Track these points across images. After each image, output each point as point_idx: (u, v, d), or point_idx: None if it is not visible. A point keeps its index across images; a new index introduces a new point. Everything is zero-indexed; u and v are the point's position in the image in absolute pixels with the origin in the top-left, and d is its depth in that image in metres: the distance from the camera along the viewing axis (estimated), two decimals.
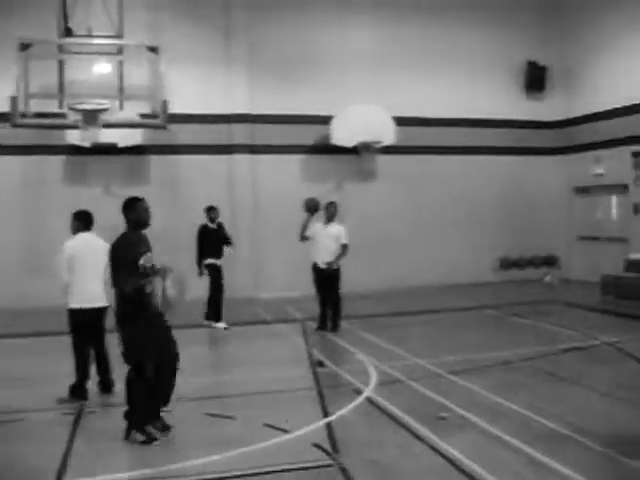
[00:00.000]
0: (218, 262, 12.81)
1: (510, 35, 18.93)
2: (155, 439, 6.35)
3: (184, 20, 16.42)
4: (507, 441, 6.23)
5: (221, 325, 12.63)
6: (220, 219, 13.08)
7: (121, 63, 12.47)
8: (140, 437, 6.34)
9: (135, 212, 6.68)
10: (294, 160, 17.38)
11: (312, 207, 12.08)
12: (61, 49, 12.08)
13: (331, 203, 12.22)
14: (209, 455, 5.98)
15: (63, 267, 7.95)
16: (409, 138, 17.33)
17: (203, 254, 12.75)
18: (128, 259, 6.35)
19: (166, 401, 6.61)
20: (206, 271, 12.70)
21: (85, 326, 8.01)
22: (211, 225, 12.95)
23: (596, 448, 6.00)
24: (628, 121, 16.76)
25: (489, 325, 13.15)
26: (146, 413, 6.46)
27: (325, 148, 17.18)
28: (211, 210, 13.01)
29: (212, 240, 12.82)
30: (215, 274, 12.74)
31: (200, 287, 12.17)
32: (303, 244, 12.17)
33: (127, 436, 6.41)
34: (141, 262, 6.35)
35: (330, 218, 12.09)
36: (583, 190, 19.18)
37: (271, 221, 16.51)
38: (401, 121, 16.99)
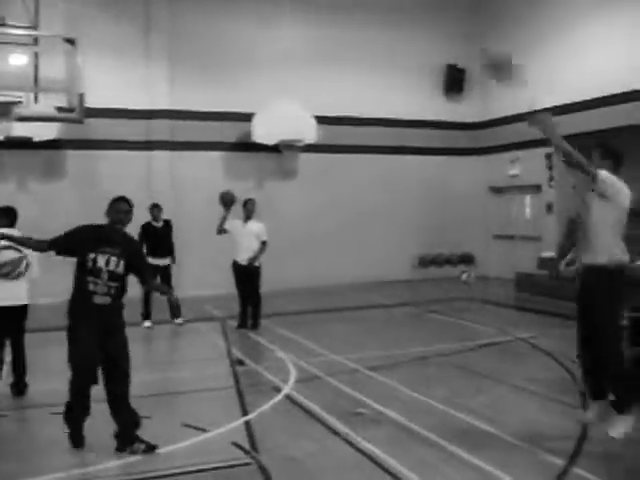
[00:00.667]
0: (161, 263, 12.56)
1: (431, 37, 19.25)
2: (155, 446, 6.01)
3: (103, 12, 16.06)
4: (424, 436, 6.34)
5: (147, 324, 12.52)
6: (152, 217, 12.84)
7: (37, 54, 12.14)
8: (141, 447, 5.95)
9: (107, 211, 6.37)
10: (215, 157, 17.25)
11: (228, 200, 11.95)
12: None
13: (249, 200, 12.17)
14: (127, 456, 5.89)
15: None
16: (330, 137, 17.43)
17: (148, 254, 12.45)
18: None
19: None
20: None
21: (1, 325, 7.77)
22: (155, 223, 12.74)
23: (511, 441, 6.16)
24: None
25: (407, 322, 13.36)
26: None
27: (246, 146, 17.12)
28: (154, 208, 12.80)
29: (156, 239, 12.58)
30: (160, 276, 12.42)
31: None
32: (223, 241, 12.09)
33: (123, 447, 5.97)
34: None
35: (249, 215, 12.05)
36: (499, 190, 19.68)
37: (191, 218, 16.34)
38: (323, 120, 17.08)
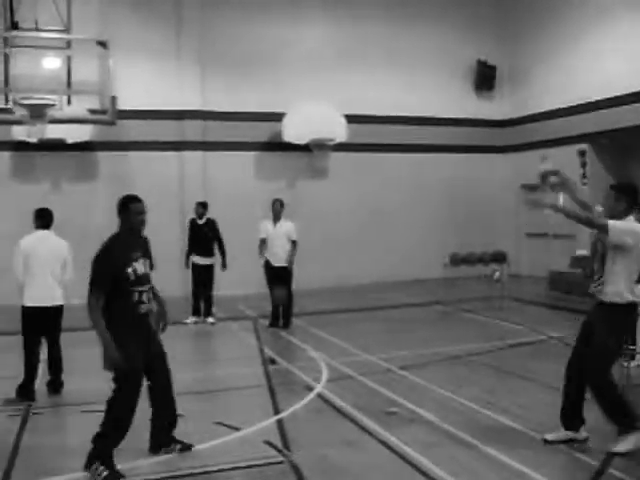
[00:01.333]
0: (201, 262, 12.75)
1: (461, 34, 19.15)
2: (122, 477, 5.46)
3: (135, 14, 16.20)
4: (457, 435, 6.31)
5: (210, 320, 12.85)
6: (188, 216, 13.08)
7: (69, 57, 12.27)
8: (104, 473, 5.39)
9: (124, 213, 6.03)
10: (246, 157, 17.30)
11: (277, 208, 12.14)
12: (7, 42, 11.81)
13: (276, 200, 12.20)
14: (159, 454, 5.93)
15: (18, 264, 7.82)
16: (361, 136, 17.42)
17: (189, 250, 12.89)
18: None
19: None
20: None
21: (37, 325, 7.89)
22: (198, 221, 12.93)
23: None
24: (575, 120, 17.07)
25: (438, 321, 13.30)
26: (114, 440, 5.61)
27: (277, 145, 17.16)
28: (199, 205, 13.00)
29: (197, 237, 12.78)
30: (195, 273, 12.81)
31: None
32: (255, 241, 12.18)
33: (86, 467, 5.49)
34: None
35: (277, 215, 12.08)
36: (531, 187, 19.47)
37: (223, 218, 16.38)
38: (353, 119, 17.07)
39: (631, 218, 5.94)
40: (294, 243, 11.95)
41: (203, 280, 12.77)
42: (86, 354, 10.25)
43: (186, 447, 6.02)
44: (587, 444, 5.96)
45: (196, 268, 12.78)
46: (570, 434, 6.03)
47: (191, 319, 12.75)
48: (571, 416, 6.09)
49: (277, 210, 12.09)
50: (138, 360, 5.59)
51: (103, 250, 5.74)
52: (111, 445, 5.53)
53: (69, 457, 5.97)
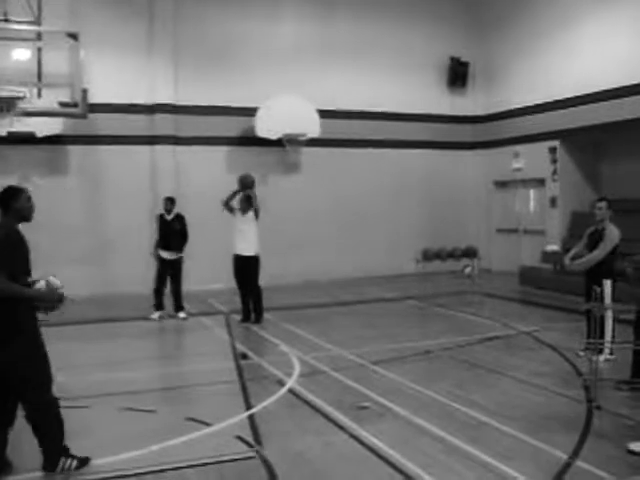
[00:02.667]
0: (169, 256, 12.70)
1: (435, 31, 19.22)
2: (88, 458, 5.63)
3: (106, 6, 16.02)
4: (428, 429, 6.35)
5: (182, 315, 12.82)
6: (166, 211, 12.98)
7: (39, 49, 12.13)
8: (75, 463, 5.52)
9: (18, 202, 5.72)
10: (218, 152, 17.22)
11: (247, 183, 12.00)
12: None
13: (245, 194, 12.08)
14: (130, 450, 5.90)
15: None
16: (333, 131, 17.43)
17: (157, 245, 12.84)
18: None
19: None
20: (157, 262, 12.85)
21: None
22: (166, 216, 12.88)
23: (515, 434, 6.17)
24: (546, 117, 17.23)
25: (411, 316, 13.36)
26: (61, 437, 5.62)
27: (250, 140, 17.10)
28: (167, 201, 12.96)
29: (165, 232, 12.74)
30: (162, 268, 12.79)
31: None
32: (226, 236, 12.11)
33: (54, 467, 5.47)
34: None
35: (245, 209, 11.98)
36: (502, 184, 19.65)
37: (194, 213, 16.32)
38: (326, 114, 17.08)
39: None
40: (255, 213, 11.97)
41: (170, 275, 12.74)
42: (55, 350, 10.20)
43: (83, 462, 5.62)
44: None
45: (163, 263, 12.74)
46: None
47: (155, 314, 12.65)
48: None
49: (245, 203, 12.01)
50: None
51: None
52: (62, 440, 5.57)
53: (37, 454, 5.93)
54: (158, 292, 12.79)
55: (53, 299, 5.50)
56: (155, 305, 12.75)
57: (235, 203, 12.07)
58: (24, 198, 5.79)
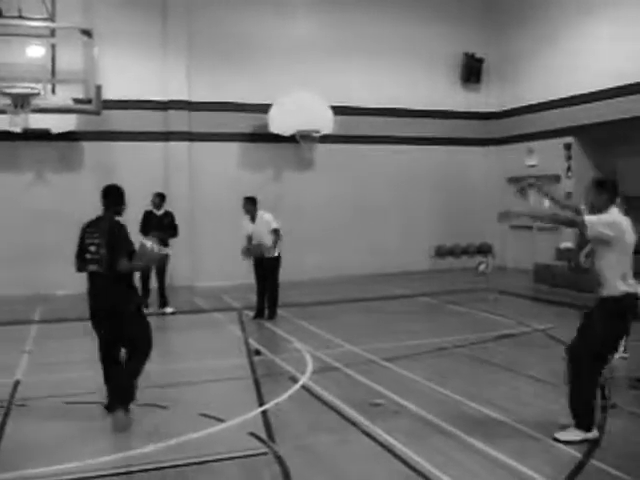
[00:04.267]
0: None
1: (448, 27, 19.13)
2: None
3: (120, 3, 16.05)
4: (441, 426, 6.33)
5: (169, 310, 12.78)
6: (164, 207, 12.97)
7: (53, 46, 12.20)
8: (126, 413, 6.48)
9: (115, 199, 6.97)
10: (232, 148, 17.24)
11: (256, 253, 11.97)
12: None
13: (247, 199, 11.96)
14: (143, 446, 5.91)
15: None
16: (347, 127, 17.43)
17: None
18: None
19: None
20: None
21: None
22: (155, 211, 12.86)
23: (528, 432, 6.14)
24: (560, 113, 17.13)
25: (424, 313, 13.32)
26: (132, 393, 6.71)
27: (263, 136, 17.10)
28: (157, 197, 12.90)
29: (153, 228, 12.64)
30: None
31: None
32: (240, 232, 12.11)
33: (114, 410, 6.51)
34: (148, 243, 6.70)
35: (251, 215, 11.91)
36: (517, 180, 19.53)
37: (208, 210, 16.39)
38: (339, 110, 17.06)
39: (614, 210, 5.96)
40: (276, 231, 11.83)
41: (157, 270, 12.66)
42: (67, 346, 10.25)
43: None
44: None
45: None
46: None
47: (170, 309, 12.69)
48: None
49: (248, 210, 11.91)
50: None
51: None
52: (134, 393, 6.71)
53: (52, 449, 5.94)
54: (145, 288, 12.69)
55: (155, 258, 6.87)
56: (162, 303, 12.82)
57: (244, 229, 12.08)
58: (119, 195, 7.02)
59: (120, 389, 6.63)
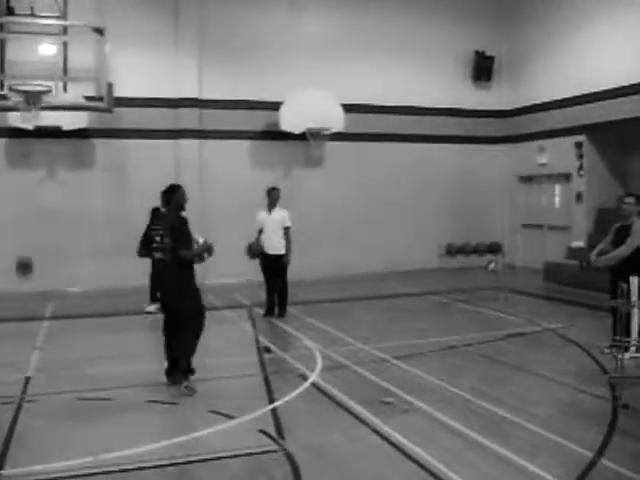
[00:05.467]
0: None
1: (460, 25, 19.06)
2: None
3: (132, 1, 16.07)
4: (451, 425, 6.32)
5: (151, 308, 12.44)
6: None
7: (65, 44, 12.22)
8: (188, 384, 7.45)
9: (176, 196, 7.83)
10: (243, 146, 17.25)
11: (256, 251, 11.96)
12: (2, 28, 11.77)
13: (273, 189, 12.16)
14: (154, 442, 5.93)
15: None
16: (357, 125, 17.39)
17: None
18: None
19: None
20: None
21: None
22: (163, 209, 12.69)
23: (539, 431, 6.13)
24: (572, 112, 17.05)
25: (434, 311, 13.30)
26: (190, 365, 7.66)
27: (274, 134, 17.09)
28: (164, 194, 12.64)
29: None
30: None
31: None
32: (251, 230, 12.11)
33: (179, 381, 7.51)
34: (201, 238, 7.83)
35: (273, 203, 12.04)
36: (527, 179, 19.50)
37: (219, 207, 16.40)
38: (350, 108, 17.03)
39: None
40: (287, 230, 11.89)
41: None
42: (78, 342, 10.30)
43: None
44: None
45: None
46: None
47: (152, 307, 12.09)
48: None
49: (273, 199, 12.04)
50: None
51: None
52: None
53: (63, 445, 5.97)
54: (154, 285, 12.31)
55: (207, 249, 7.88)
56: (152, 298, 12.29)
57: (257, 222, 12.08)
58: (179, 193, 7.83)
59: (180, 363, 7.60)
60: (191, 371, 7.67)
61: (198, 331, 7.70)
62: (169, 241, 7.63)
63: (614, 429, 6.16)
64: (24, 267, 11.60)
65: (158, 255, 7.78)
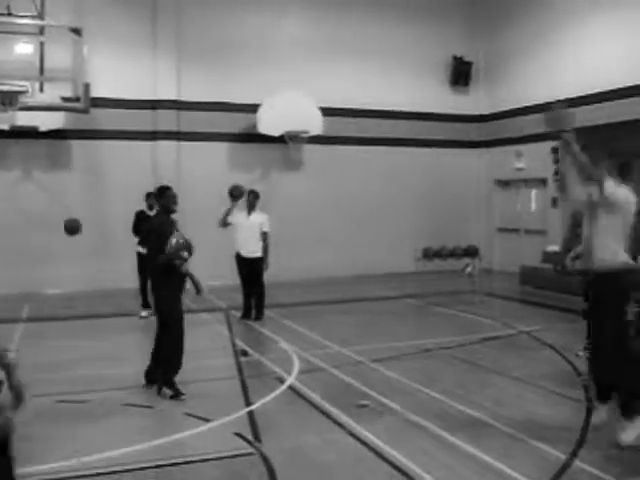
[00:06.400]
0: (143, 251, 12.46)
1: (438, 30, 19.19)
2: (182, 393, 7.33)
3: (109, 2, 16.02)
4: (427, 427, 6.35)
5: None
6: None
7: (42, 44, 12.12)
8: (169, 392, 7.32)
9: (163, 199, 7.78)
10: (220, 148, 17.22)
11: (237, 194, 11.96)
12: None
13: (252, 191, 12.17)
14: (129, 445, 5.91)
15: None
16: (336, 129, 17.44)
17: (139, 243, 12.15)
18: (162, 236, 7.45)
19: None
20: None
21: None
22: (148, 212, 12.58)
23: (513, 433, 6.17)
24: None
25: (410, 314, 13.37)
26: (173, 369, 7.49)
27: (252, 136, 17.09)
28: (149, 196, 12.52)
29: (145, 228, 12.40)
30: (139, 263, 12.38)
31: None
32: (227, 232, 12.10)
33: (159, 391, 7.42)
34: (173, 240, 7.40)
35: (252, 206, 12.05)
36: (504, 183, 19.64)
37: (196, 209, 16.33)
38: (328, 111, 17.07)
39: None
40: (265, 234, 11.89)
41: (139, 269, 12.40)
42: (54, 345, 10.22)
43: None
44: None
45: (142, 259, 12.23)
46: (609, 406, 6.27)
47: (145, 312, 12.21)
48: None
49: (251, 201, 12.04)
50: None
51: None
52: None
53: (41, 448, 5.93)
54: (144, 290, 12.20)
55: (181, 248, 7.49)
56: (143, 304, 12.39)
57: (230, 218, 12.00)
58: (168, 195, 7.78)
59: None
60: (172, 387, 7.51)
61: (170, 337, 7.61)
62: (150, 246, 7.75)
63: (587, 431, 6.22)
64: (72, 231, 11.32)
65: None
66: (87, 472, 5.41)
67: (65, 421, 6.62)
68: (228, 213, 11.98)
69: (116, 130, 16.11)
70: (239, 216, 12.02)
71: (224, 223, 12.03)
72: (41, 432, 6.30)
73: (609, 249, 6.00)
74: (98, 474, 5.38)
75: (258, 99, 16.69)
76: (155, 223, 7.96)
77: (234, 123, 17.14)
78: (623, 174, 6.28)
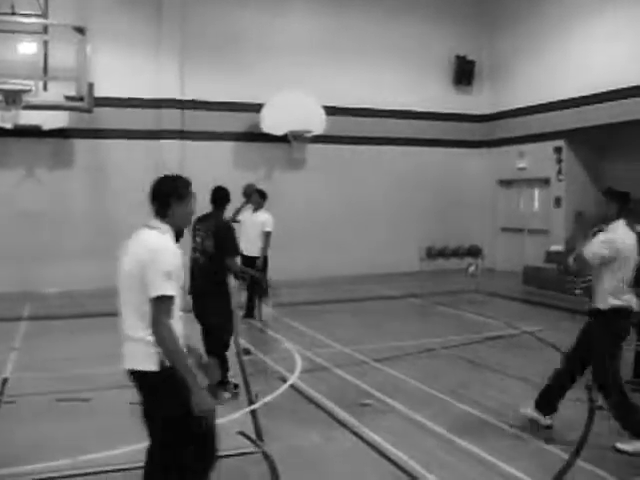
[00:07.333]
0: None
1: (441, 29, 19.16)
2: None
3: (114, 1, 15.99)
4: (429, 427, 6.36)
5: None
6: None
7: (46, 43, 12.17)
8: (227, 394, 7.26)
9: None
10: (224, 147, 17.21)
11: (248, 193, 11.99)
12: None
13: (258, 191, 12.16)
14: (133, 444, 5.90)
15: None
16: (339, 128, 17.42)
17: None
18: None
19: None
20: None
21: None
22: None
23: (516, 433, 6.18)
24: (551, 117, 17.19)
25: (413, 314, 13.36)
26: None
27: (255, 136, 17.08)
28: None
29: None
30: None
31: None
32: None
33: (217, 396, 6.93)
34: None
35: (256, 206, 12.03)
36: (507, 183, 19.62)
37: (199, 208, 16.30)
38: (331, 111, 17.06)
39: (621, 222, 6.07)
40: (267, 234, 11.86)
41: None
42: (56, 343, 10.23)
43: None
44: (550, 432, 6.15)
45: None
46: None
47: None
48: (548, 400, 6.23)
49: (256, 200, 12.01)
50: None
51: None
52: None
53: (41, 446, 5.94)
54: None
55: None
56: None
57: (240, 216, 12.04)
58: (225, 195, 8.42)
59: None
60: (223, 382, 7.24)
61: (219, 342, 7.55)
62: (211, 244, 7.63)
63: (590, 430, 6.22)
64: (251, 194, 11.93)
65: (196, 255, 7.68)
66: (87, 470, 5.42)
67: (66, 419, 6.63)
68: (238, 211, 12.00)
69: (120, 129, 16.10)
70: (245, 215, 12.03)
71: (233, 221, 12.03)
72: (41, 430, 6.32)
73: (608, 292, 6.01)
74: (98, 472, 5.38)
75: (262, 98, 16.68)
76: (217, 222, 8.05)
77: (238, 122, 17.13)
78: (623, 205, 6.16)
